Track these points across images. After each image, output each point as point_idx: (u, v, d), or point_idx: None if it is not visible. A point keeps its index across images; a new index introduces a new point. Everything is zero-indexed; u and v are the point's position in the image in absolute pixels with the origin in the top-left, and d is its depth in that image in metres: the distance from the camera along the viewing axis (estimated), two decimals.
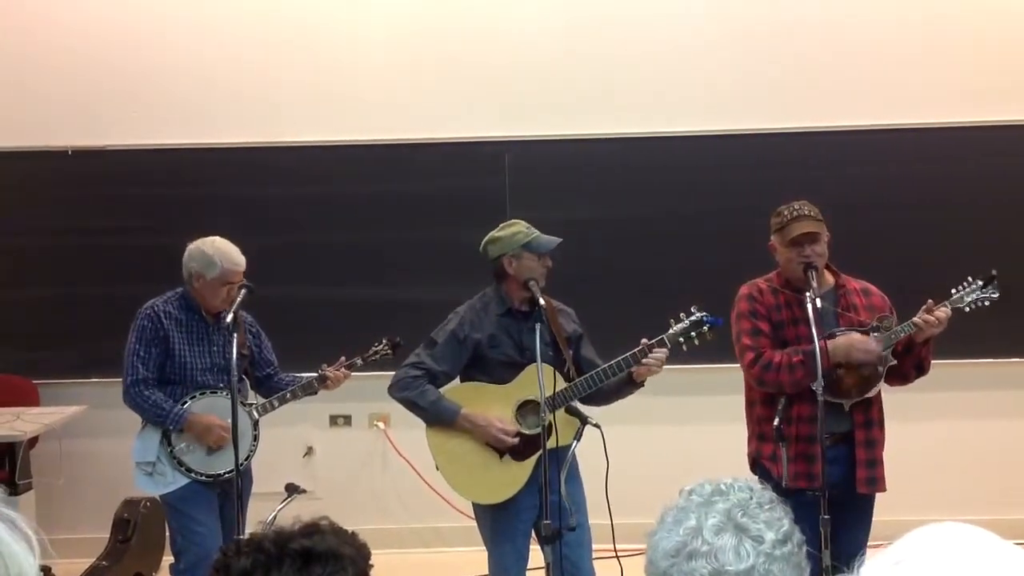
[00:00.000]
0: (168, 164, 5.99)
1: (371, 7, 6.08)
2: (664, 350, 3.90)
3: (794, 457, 3.75)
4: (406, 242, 5.98)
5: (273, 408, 4.42)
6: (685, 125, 5.95)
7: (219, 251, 4.27)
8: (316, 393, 4.50)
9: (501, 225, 4.13)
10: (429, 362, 4.03)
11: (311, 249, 5.97)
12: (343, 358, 4.47)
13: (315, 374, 4.45)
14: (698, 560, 1.56)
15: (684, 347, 3.96)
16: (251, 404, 4.42)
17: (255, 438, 4.38)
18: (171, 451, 4.26)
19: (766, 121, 5.94)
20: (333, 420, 6.04)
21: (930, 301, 3.79)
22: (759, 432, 3.92)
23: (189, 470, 4.26)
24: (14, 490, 5.14)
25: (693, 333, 3.93)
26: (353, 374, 4.50)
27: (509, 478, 3.98)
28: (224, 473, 4.23)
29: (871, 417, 3.83)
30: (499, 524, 4.03)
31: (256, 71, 6.04)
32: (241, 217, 5.77)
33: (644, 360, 3.89)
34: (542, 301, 3.80)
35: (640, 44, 6.03)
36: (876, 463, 3.82)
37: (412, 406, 4.06)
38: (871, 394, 3.81)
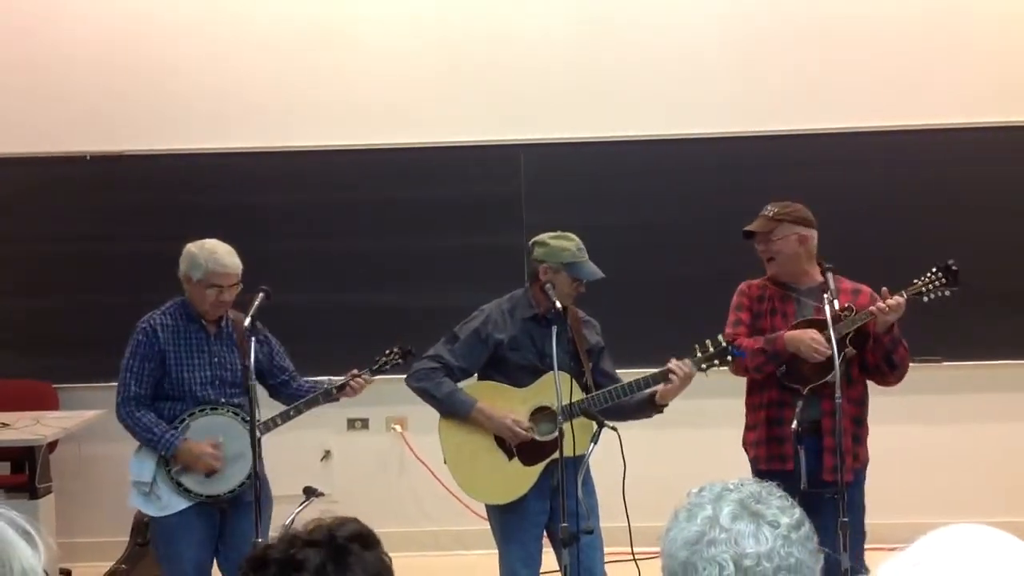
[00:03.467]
0: (186, 169, 6.02)
1: (385, 13, 6.10)
2: (690, 367, 3.88)
3: (766, 440, 3.98)
4: (421, 247, 5.99)
5: (276, 426, 4.19)
6: (702, 128, 5.94)
7: (205, 251, 4.07)
8: (336, 400, 4.32)
9: (558, 232, 4.09)
10: (448, 356, 4.03)
11: (325, 254, 5.98)
12: (354, 371, 4.26)
13: (322, 387, 4.25)
14: (718, 547, 1.58)
15: (706, 374, 3.96)
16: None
17: (257, 456, 4.07)
18: (169, 471, 4.05)
19: (785, 123, 5.93)
20: (351, 424, 6.05)
21: (885, 289, 3.90)
22: (747, 420, 4.14)
23: (188, 491, 4.05)
24: (34, 494, 5.18)
25: (717, 361, 3.92)
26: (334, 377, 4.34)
27: (515, 481, 3.98)
28: (224, 494, 4.08)
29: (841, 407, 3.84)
30: (507, 525, 4.04)
31: (271, 77, 6.07)
32: (258, 222, 5.80)
33: (670, 374, 3.87)
34: (559, 305, 3.80)
35: (654, 47, 6.03)
36: (843, 452, 3.81)
37: (427, 396, 4.05)
38: (829, 379, 3.80)
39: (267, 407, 4.30)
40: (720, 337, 3.95)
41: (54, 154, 6.02)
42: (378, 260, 6.01)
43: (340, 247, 6.01)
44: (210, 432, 4.04)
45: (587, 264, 4.00)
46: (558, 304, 3.79)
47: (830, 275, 3.83)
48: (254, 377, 3.85)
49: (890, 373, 3.97)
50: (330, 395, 4.23)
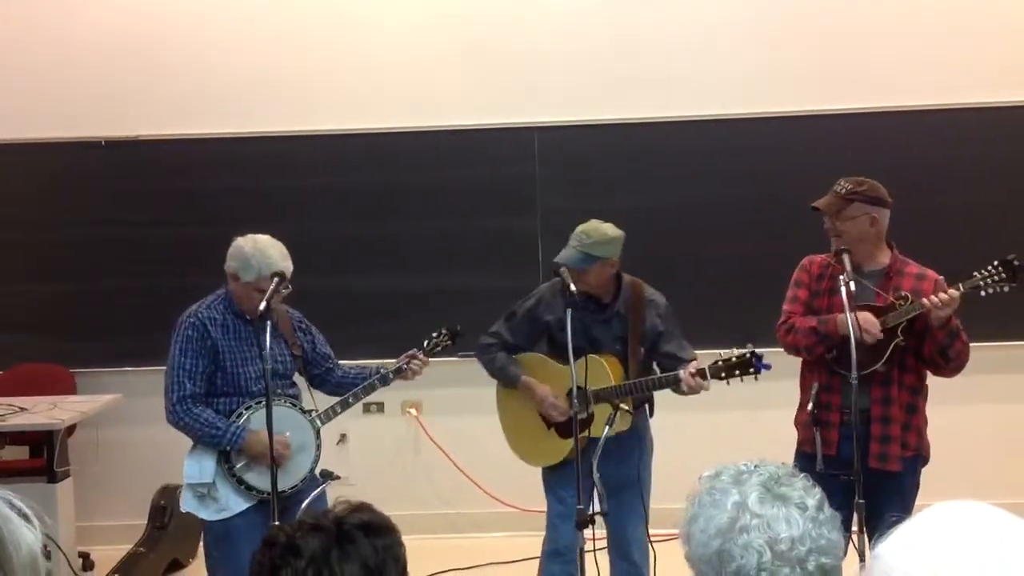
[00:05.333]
0: (201, 154, 6.02)
1: None
2: (705, 383, 3.86)
3: (805, 423, 3.90)
4: (435, 230, 5.99)
5: (336, 415, 4.10)
6: (717, 109, 5.91)
7: (258, 252, 3.86)
8: (388, 384, 4.22)
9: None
10: (505, 334, 4.27)
11: (341, 238, 5.98)
12: (412, 351, 4.16)
13: (379, 372, 4.15)
14: (751, 533, 1.59)
15: (727, 384, 3.88)
16: (312, 411, 4.06)
17: (318, 447, 4.03)
18: (229, 469, 3.87)
19: (800, 103, 5.89)
20: (366, 407, 6.04)
21: (937, 276, 3.84)
22: (801, 400, 4.02)
23: (250, 488, 3.87)
24: (52, 478, 5.21)
25: (738, 372, 3.86)
26: (384, 361, 4.37)
27: (550, 451, 4.19)
28: (289, 490, 3.88)
29: (890, 395, 3.82)
30: (550, 480, 4.26)
31: (284, 62, 6.06)
32: (271, 207, 5.81)
33: (682, 386, 3.90)
34: (573, 288, 3.80)
35: (669, 26, 5.99)
36: (890, 440, 3.80)
37: (486, 368, 4.32)
38: (877, 367, 3.77)
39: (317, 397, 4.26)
40: (747, 349, 3.85)
41: (69, 139, 6.03)
42: (393, 243, 6.01)
43: (356, 230, 6.01)
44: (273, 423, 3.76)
45: (564, 251, 4.06)
46: (572, 287, 3.80)
47: (846, 257, 3.75)
48: (268, 361, 3.71)
49: (945, 366, 3.83)
50: (386, 380, 4.15)
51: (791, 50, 5.95)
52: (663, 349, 4.11)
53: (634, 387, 3.99)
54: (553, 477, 4.22)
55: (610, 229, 4.07)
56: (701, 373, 3.87)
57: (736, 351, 3.86)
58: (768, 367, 3.87)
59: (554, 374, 4.14)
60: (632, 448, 4.06)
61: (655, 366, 4.13)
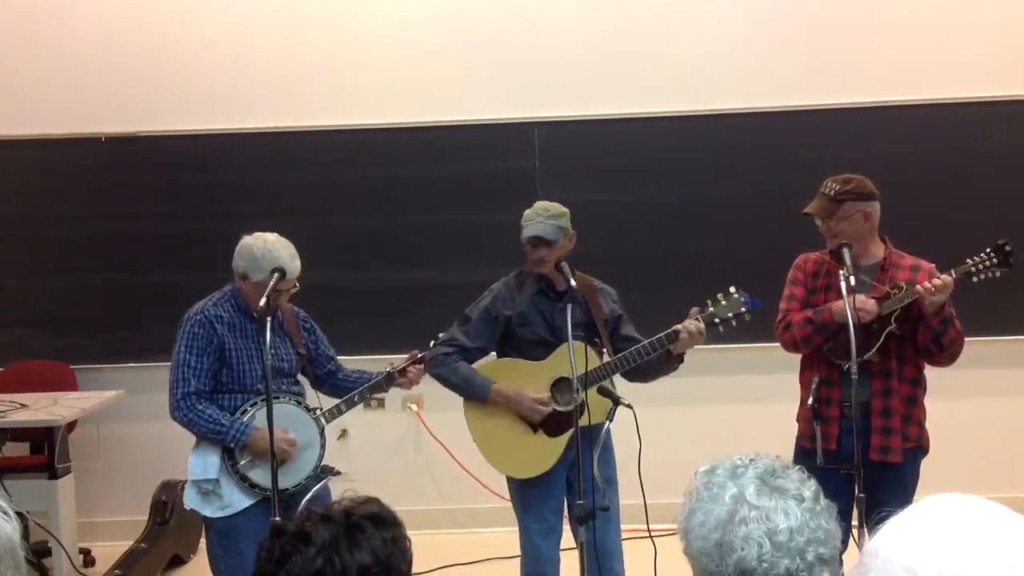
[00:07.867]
0: (201, 149, 6.03)
1: None
2: (700, 326, 3.88)
3: (805, 418, 3.90)
4: (436, 225, 5.99)
5: (341, 413, 4.07)
6: (718, 103, 5.91)
7: (268, 253, 3.84)
8: (387, 391, 4.26)
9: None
10: (462, 339, 4.08)
11: (341, 234, 5.99)
12: (416, 352, 4.13)
13: (383, 372, 4.12)
14: (750, 525, 1.61)
15: (721, 329, 3.94)
16: (316, 409, 4.04)
17: (322, 446, 3.99)
18: (233, 466, 3.83)
19: (800, 98, 5.89)
20: (366, 403, 6.05)
21: (932, 266, 3.85)
22: (801, 396, 4.01)
23: (253, 486, 3.83)
24: (53, 474, 5.21)
25: (731, 314, 3.91)
26: (382, 357, 4.36)
27: (542, 454, 4.01)
28: (292, 487, 3.87)
29: (890, 387, 3.83)
30: (527, 497, 4.07)
31: (284, 57, 6.06)
32: (272, 202, 5.81)
33: (681, 334, 3.87)
34: (573, 282, 3.79)
35: (670, 21, 5.99)
36: (891, 432, 3.81)
37: (445, 382, 4.10)
38: (870, 356, 3.78)
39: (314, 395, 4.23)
40: (732, 288, 3.91)
41: (70, 136, 6.03)
42: (393, 238, 6.01)
43: (356, 226, 6.01)
44: (276, 421, 3.69)
45: (526, 226, 3.99)
46: (572, 282, 3.78)
47: (846, 251, 3.75)
48: (268, 357, 3.66)
49: (939, 354, 3.83)
50: (392, 379, 4.11)
51: (791, 46, 5.95)
52: (623, 332, 4.11)
53: (634, 355, 3.93)
54: (530, 493, 4.05)
55: (559, 204, 4.07)
56: (696, 320, 3.88)
57: (722, 295, 3.91)
58: (757, 304, 3.91)
59: (528, 373, 4.03)
60: (604, 453, 3.96)
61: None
